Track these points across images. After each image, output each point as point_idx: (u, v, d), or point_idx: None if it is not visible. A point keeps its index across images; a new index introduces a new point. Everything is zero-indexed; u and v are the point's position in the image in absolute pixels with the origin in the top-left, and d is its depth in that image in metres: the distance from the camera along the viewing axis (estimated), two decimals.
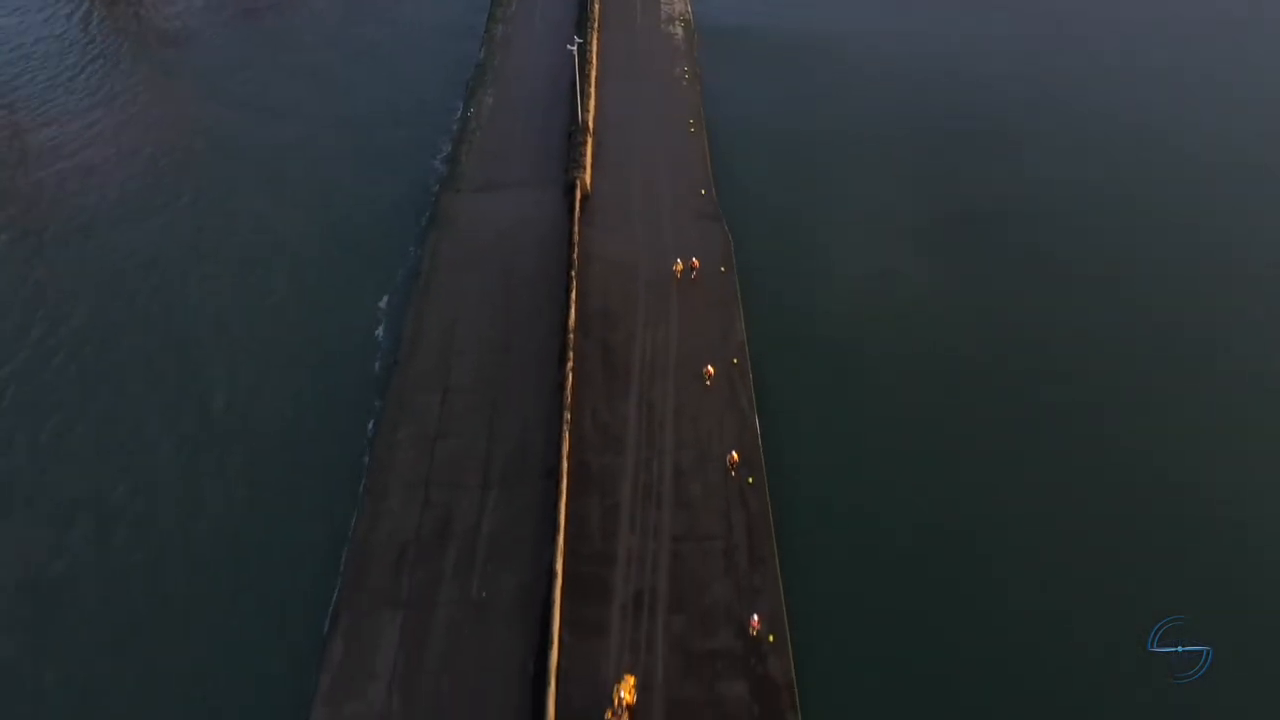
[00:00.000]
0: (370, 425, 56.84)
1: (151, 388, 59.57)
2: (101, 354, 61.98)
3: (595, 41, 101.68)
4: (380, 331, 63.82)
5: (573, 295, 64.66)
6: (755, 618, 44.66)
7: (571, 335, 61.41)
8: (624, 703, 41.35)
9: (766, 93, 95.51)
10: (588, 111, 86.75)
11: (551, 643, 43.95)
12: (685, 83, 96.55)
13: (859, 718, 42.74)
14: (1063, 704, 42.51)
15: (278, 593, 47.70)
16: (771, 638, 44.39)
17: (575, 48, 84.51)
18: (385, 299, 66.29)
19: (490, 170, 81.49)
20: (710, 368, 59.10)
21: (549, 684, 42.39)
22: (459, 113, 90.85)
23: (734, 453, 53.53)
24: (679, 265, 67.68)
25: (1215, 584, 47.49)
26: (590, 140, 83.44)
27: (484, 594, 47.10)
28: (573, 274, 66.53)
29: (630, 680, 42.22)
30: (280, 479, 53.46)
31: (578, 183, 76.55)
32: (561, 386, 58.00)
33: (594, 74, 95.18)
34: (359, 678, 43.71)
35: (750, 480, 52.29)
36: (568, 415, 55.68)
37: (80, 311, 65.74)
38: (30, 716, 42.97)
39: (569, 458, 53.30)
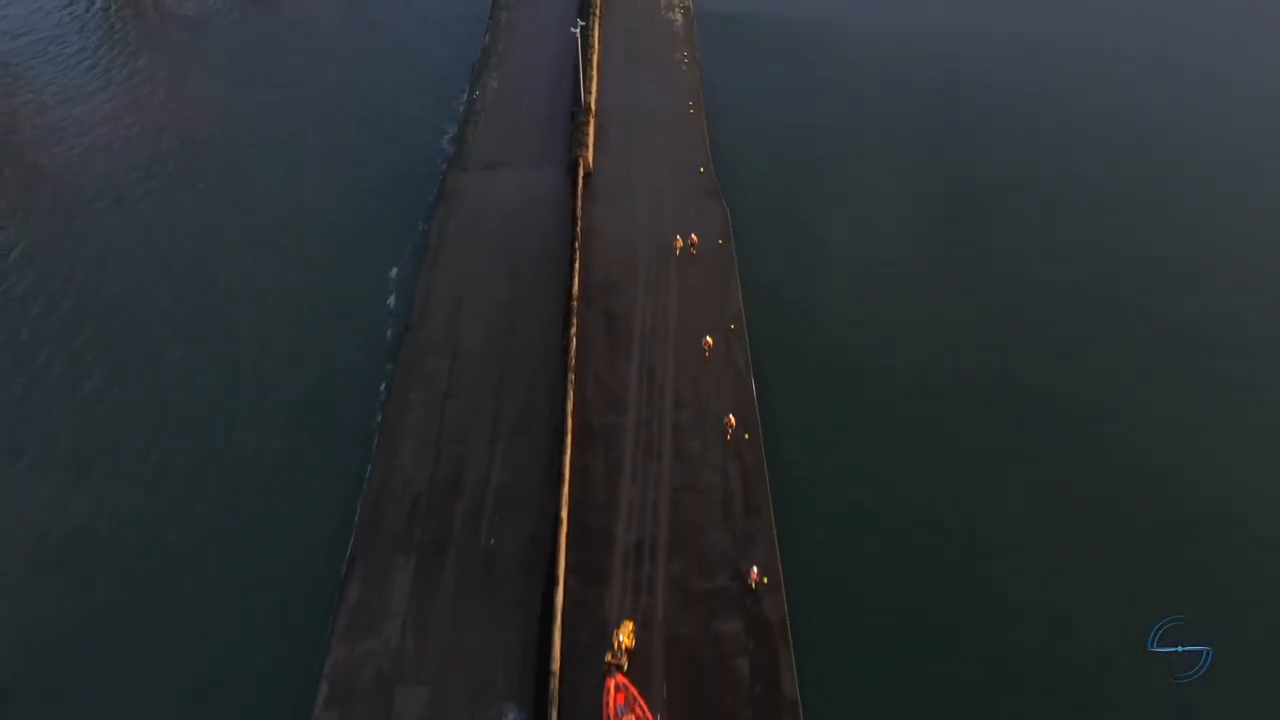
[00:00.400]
0: (382, 387, 59.22)
1: (182, 351, 62.30)
2: (134, 320, 64.66)
3: (597, 27, 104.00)
4: (391, 300, 66.22)
5: (576, 266, 66.99)
6: (755, 569, 46.79)
7: (575, 303, 63.76)
8: (623, 646, 43.45)
9: (764, 77, 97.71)
10: (590, 94, 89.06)
11: (557, 583, 46.32)
12: (685, 67, 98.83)
13: (848, 650, 45.02)
14: (1063, 704, 42.68)
15: (297, 540, 50.11)
16: (765, 579, 46.71)
17: (578, 30, 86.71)
18: (395, 270, 68.69)
19: (496, 150, 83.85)
20: (709, 339, 61.27)
21: (555, 622, 44.73)
22: (465, 95, 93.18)
23: (731, 416, 55.78)
24: (679, 242, 69.94)
25: (1215, 584, 47.54)
26: (593, 121, 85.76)
27: (492, 541, 49.50)
28: (576, 246, 68.87)
29: (629, 625, 44.37)
30: (298, 435, 55.95)
31: (580, 161, 78.87)
32: (565, 350, 60.35)
33: (596, 58, 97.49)
34: (374, 617, 46.11)
35: (746, 436, 54.64)
36: (571, 377, 58.01)
37: (113, 279, 68.54)
38: (64, 650, 45.26)
39: (573, 416, 55.63)
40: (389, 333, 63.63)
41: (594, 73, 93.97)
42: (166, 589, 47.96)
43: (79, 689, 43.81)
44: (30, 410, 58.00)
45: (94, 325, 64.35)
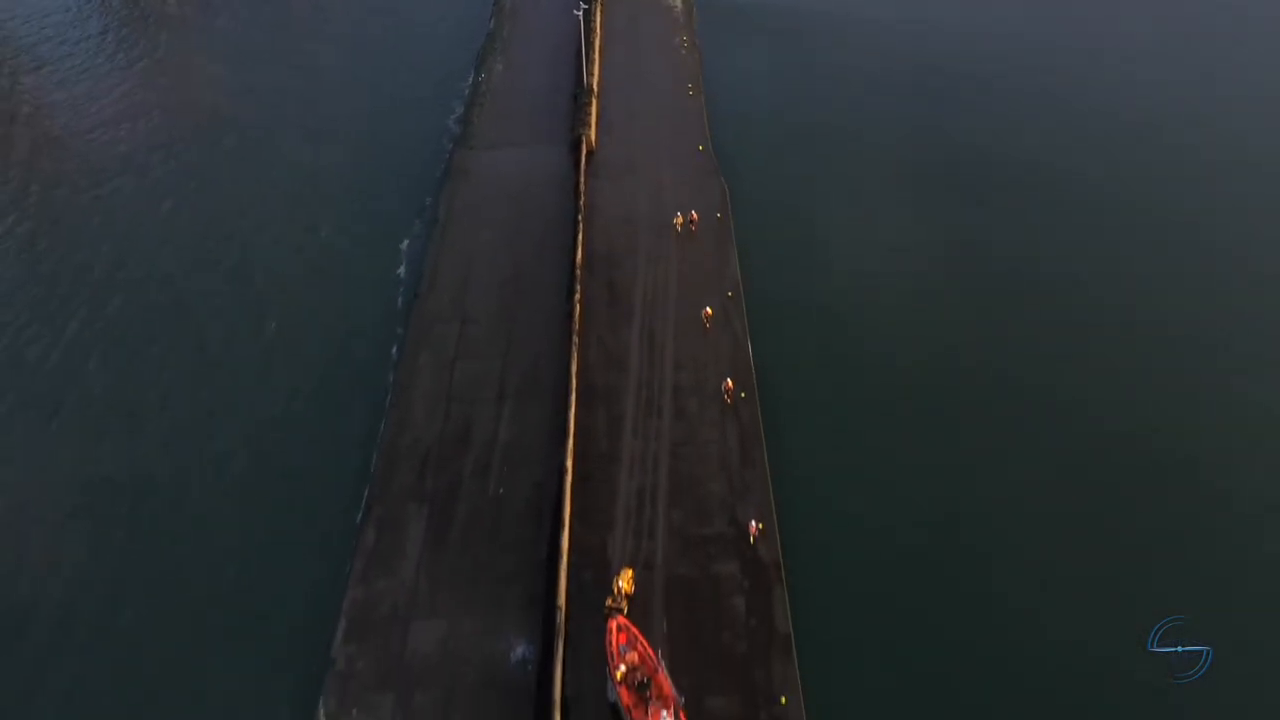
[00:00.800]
0: (394, 350, 61.73)
1: (207, 316, 65.25)
2: (162, 288, 67.54)
3: (599, 13, 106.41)
4: (401, 270, 68.77)
5: (579, 238, 69.44)
6: (754, 524, 49.13)
7: (579, 271, 66.22)
8: (622, 591, 45.80)
9: (761, 61, 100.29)
10: (592, 75, 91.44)
11: (563, 527, 48.83)
12: (684, 51, 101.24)
13: (839, 587, 47.65)
14: (1063, 704, 42.68)
15: (315, 490, 52.71)
16: (760, 525, 49.21)
17: (581, 13, 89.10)
18: (405, 243, 71.24)
19: (501, 129, 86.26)
20: (709, 309, 63.61)
21: (561, 563, 47.25)
22: (470, 78, 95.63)
23: (729, 380, 58.19)
24: (679, 219, 72.31)
25: (1215, 584, 47.50)
26: (595, 101, 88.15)
27: (501, 490, 52.00)
28: (579, 220, 71.32)
29: (628, 572, 46.69)
30: (315, 394, 58.64)
31: (583, 139, 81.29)
32: (570, 316, 62.79)
33: (598, 42, 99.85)
34: (389, 559, 48.66)
35: (743, 395, 57.13)
36: (575, 340, 60.47)
37: (140, 250, 71.48)
38: (93, 588, 47.83)
39: (577, 376, 58.09)
40: (399, 301, 66.17)
41: (596, 56, 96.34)
42: (193, 534, 50.53)
43: (108, 625, 46.39)
44: (64, 371, 60.66)
45: (124, 293, 67.00)
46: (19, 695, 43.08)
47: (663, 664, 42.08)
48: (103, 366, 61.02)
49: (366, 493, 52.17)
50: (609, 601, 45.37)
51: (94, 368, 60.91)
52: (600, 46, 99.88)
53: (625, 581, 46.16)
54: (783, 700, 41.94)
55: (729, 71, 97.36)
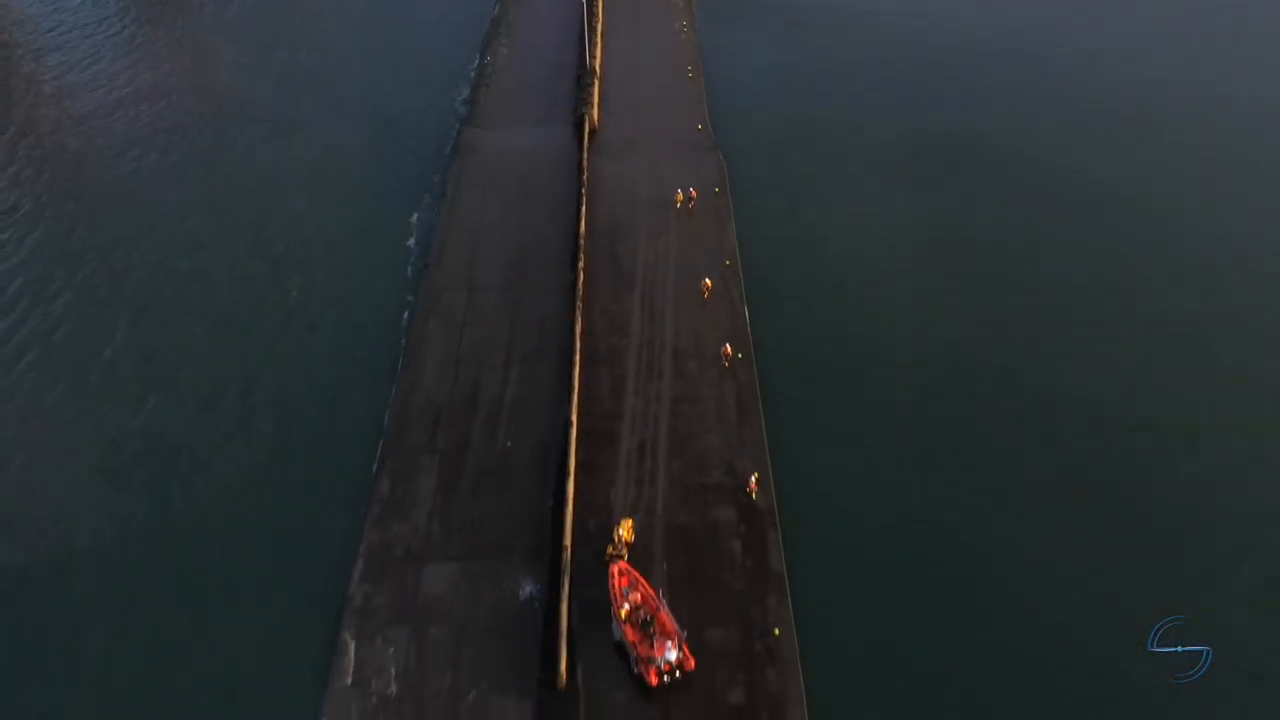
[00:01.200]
0: (405, 316, 64.24)
1: (228, 284, 68.08)
2: (188, 258, 70.59)
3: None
4: (411, 241, 71.34)
5: (583, 211, 71.96)
6: (753, 479, 51.49)
7: (583, 242, 68.72)
8: (622, 540, 48.27)
9: (759, 44, 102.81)
10: (594, 58, 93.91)
11: (568, 475, 51.37)
12: (684, 35, 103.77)
13: (829, 532, 50.27)
14: (1062, 703, 42.63)
15: (332, 445, 55.33)
16: (756, 475, 51.73)
17: None
18: (415, 215, 73.78)
19: (507, 110, 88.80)
20: (708, 280, 65.97)
21: (567, 507, 49.79)
22: (476, 61, 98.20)
23: (728, 345, 60.64)
24: (679, 195, 74.73)
25: (1215, 584, 47.46)
26: (597, 83, 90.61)
27: (509, 444, 54.54)
28: (583, 193, 73.86)
29: (628, 522, 49.12)
30: (332, 357, 61.24)
31: (586, 118, 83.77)
32: (574, 285, 65.32)
33: (600, 26, 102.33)
34: (403, 506, 51.18)
35: (740, 356, 59.64)
36: (579, 306, 63.00)
37: (166, 220, 74.58)
38: (133, 546, 50.53)
39: (581, 339, 60.62)
40: (409, 270, 68.69)
41: (598, 39, 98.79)
42: (219, 484, 53.07)
43: (143, 572, 48.89)
44: (92, 336, 63.33)
45: (149, 264, 69.67)
46: (64, 644, 45.51)
47: (664, 603, 44.60)
48: (130, 332, 63.63)
49: (380, 448, 54.68)
50: (610, 549, 47.90)
51: (121, 334, 63.46)
52: (602, 31, 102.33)
53: (625, 530, 48.63)
54: (776, 632, 44.46)
55: (728, 55, 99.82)
